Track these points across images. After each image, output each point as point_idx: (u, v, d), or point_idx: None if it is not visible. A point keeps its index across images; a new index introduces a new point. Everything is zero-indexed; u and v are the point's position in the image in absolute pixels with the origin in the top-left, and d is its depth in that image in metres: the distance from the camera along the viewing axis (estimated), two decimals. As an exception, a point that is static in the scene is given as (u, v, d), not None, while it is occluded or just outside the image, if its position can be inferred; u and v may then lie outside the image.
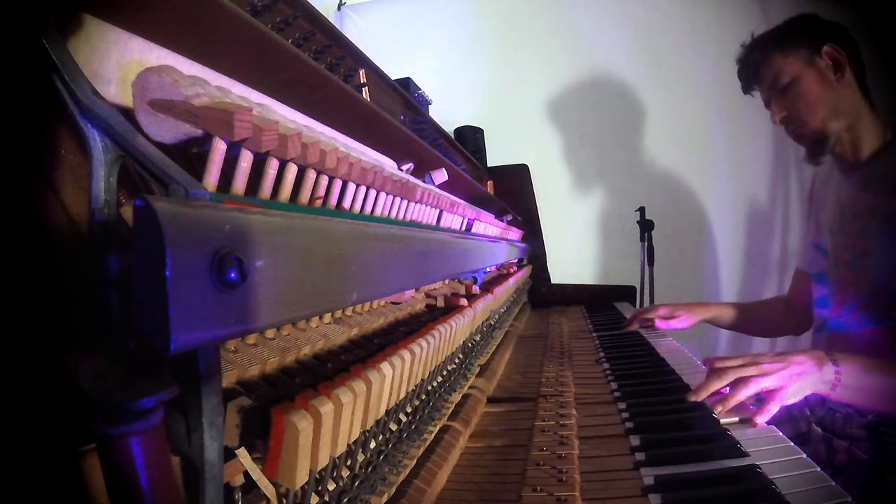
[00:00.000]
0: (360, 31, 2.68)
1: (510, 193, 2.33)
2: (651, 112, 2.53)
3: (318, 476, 0.42)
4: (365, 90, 1.02)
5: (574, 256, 2.60)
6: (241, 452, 0.38)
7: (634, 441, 0.74)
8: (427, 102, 1.93)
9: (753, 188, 2.49)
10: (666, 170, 2.54)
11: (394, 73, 1.26)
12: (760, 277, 2.50)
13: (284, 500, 0.41)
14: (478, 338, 1.07)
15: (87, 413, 0.27)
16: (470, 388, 0.94)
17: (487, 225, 1.37)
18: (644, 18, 2.49)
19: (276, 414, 0.38)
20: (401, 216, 0.73)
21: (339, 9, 2.73)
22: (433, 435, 0.71)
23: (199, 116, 0.36)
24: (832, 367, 0.86)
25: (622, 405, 0.89)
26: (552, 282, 2.35)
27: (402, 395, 0.59)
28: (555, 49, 2.58)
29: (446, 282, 1.12)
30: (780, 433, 0.74)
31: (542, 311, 2.09)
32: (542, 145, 2.63)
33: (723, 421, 0.78)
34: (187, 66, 0.47)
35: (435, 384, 0.76)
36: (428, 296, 0.97)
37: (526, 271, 2.00)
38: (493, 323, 1.25)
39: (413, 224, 0.78)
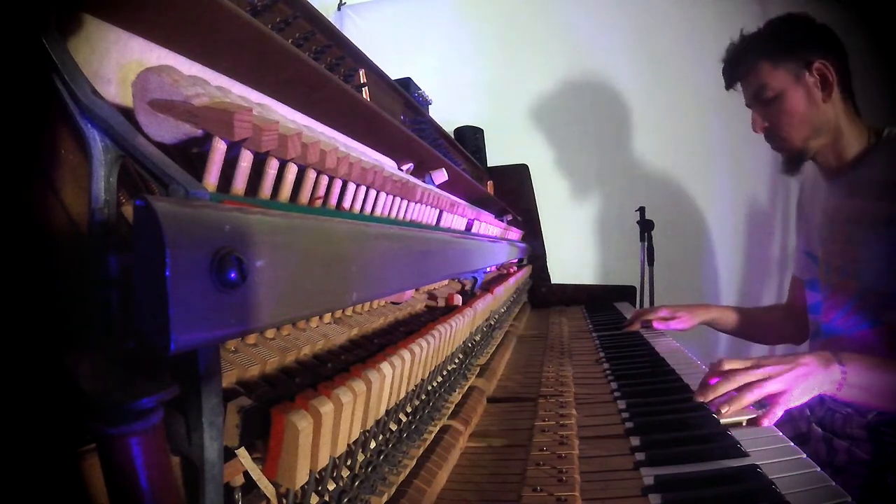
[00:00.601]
0: (360, 31, 2.68)
1: (510, 193, 2.33)
2: (651, 112, 2.53)
3: (318, 476, 0.42)
4: (365, 90, 1.02)
5: (574, 256, 2.60)
6: (241, 452, 0.38)
7: (634, 441, 0.74)
8: (427, 102, 1.93)
9: (753, 188, 2.49)
10: (666, 170, 2.54)
11: (394, 73, 1.26)
12: (760, 277, 2.50)
13: (284, 500, 0.41)
14: (478, 338, 1.07)
15: (87, 413, 0.27)
16: (470, 387, 0.94)
17: (487, 225, 1.37)
18: (644, 18, 2.49)
19: (276, 414, 0.38)
20: (401, 216, 0.73)
21: (339, 9, 2.73)
22: (433, 435, 0.71)
23: (199, 116, 0.36)
24: (838, 367, 0.86)
25: (622, 405, 0.89)
26: (552, 282, 2.35)
27: (402, 395, 0.59)
28: (555, 49, 2.58)
29: (446, 282, 1.12)
30: (780, 433, 0.74)
31: (542, 311, 2.09)
32: (542, 145, 2.63)
33: (726, 422, 0.77)
34: (187, 66, 0.47)
35: (435, 384, 0.76)
36: (428, 296, 0.97)
37: (526, 271, 2.00)
38: (493, 323, 1.25)
39: (413, 224, 0.78)
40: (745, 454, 0.66)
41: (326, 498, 0.46)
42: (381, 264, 0.44)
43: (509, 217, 1.98)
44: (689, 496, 0.59)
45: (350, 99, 0.69)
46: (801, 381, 0.82)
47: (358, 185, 0.58)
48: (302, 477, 0.40)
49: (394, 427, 0.61)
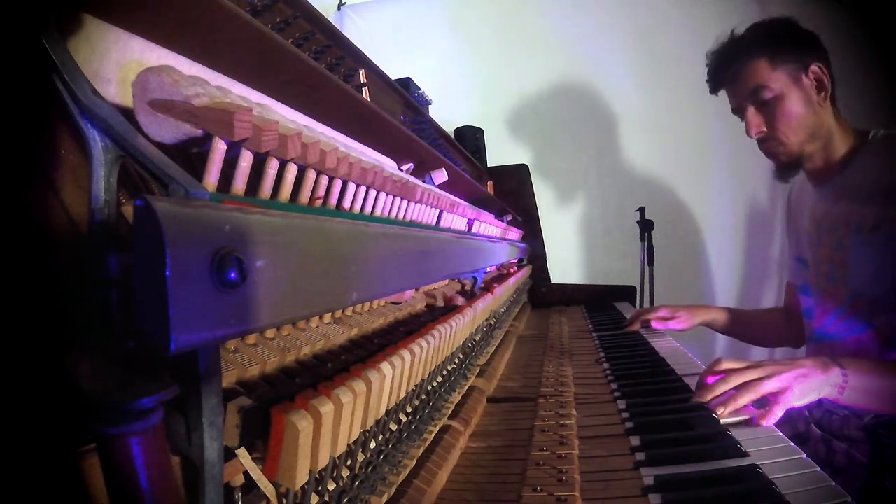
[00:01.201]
0: (360, 31, 2.68)
1: (510, 193, 2.33)
2: (651, 112, 2.53)
3: (318, 476, 0.42)
4: (365, 90, 1.01)
5: (574, 256, 2.60)
6: (241, 452, 0.38)
7: (634, 441, 0.74)
8: (427, 102, 1.93)
9: (753, 189, 2.49)
10: (666, 170, 2.54)
11: (394, 73, 1.26)
12: (760, 277, 2.51)
13: (284, 500, 0.41)
14: (478, 338, 1.07)
15: (87, 413, 0.27)
16: (470, 387, 0.94)
17: (487, 225, 1.37)
18: (643, 18, 2.49)
19: (276, 414, 0.38)
20: (401, 216, 0.73)
21: (339, 9, 2.73)
22: (433, 435, 0.71)
23: (199, 116, 0.36)
24: (839, 371, 0.86)
25: (622, 405, 0.89)
26: (552, 282, 2.35)
27: (402, 395, 0.59)
28: (555, 49, 2.58)
29: (446, 282, 1.12)
30: (780, 433, 0.74)
31: (542, 310, 2.09)
32: (542, 145, 2.63)
33: (726, 422, 0.78)
34: (187, 66, 0.47)
35: (435, 384, 0.76)
36: (428, 296, 0.97)
37: (526, 271, 2.00)
38: (493, 323, 1.25)
39: (413, 224, 0.78)
40: (745, 454, 0.66)
41: (326, 498, 0.46)
42: (381, 264, 0.44)
43: (509, 217, 1.98)
44: (689, 496, 0.59)
45: (350, 99, 0.69)
46: (799, 382, 0.82)
47: (358, 185, 0.58)
48: (302, 477, 0.40)
49: (394, 427, 0.61)
